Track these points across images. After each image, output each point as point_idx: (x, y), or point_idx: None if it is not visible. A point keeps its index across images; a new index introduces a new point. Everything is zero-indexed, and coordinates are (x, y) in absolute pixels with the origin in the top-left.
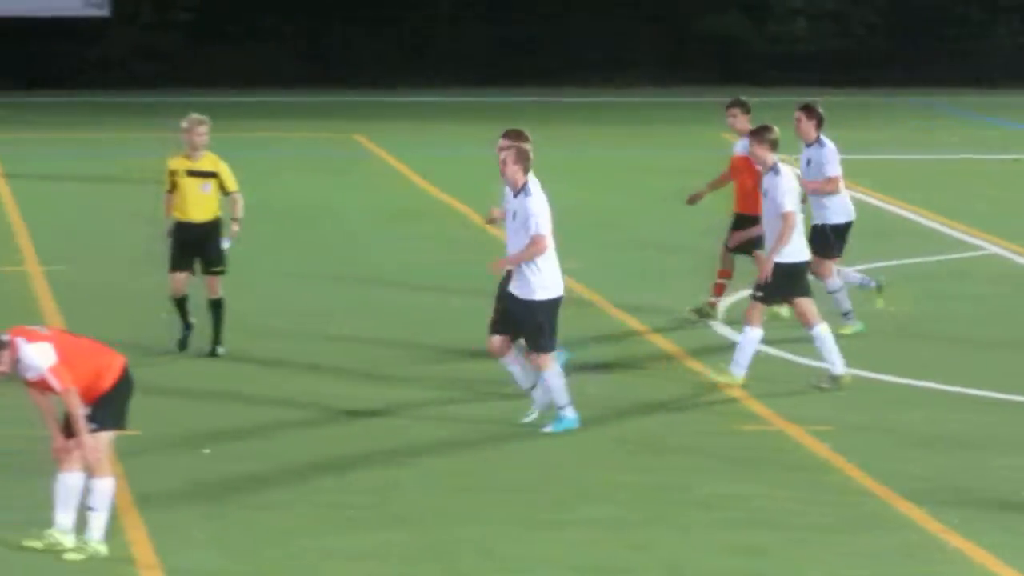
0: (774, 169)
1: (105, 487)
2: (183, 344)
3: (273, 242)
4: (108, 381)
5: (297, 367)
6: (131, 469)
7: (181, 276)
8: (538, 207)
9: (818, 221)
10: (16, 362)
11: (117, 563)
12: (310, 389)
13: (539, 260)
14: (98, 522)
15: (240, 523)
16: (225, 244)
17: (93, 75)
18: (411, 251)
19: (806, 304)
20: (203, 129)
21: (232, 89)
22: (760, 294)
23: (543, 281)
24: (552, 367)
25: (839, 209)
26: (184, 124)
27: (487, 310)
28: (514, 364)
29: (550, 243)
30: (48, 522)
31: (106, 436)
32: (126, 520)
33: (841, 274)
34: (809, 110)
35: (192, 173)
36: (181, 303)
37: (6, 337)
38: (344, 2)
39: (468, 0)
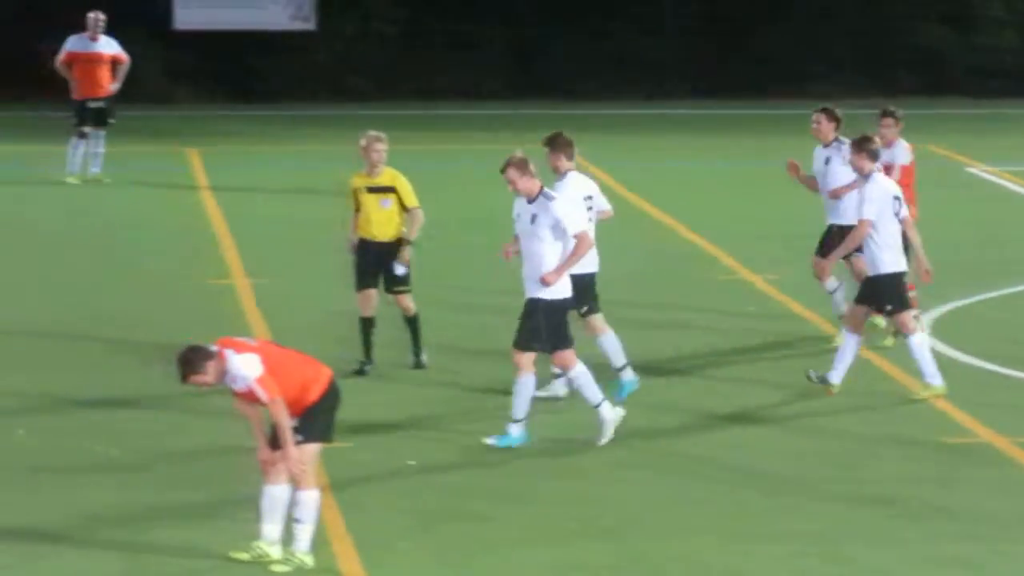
0: (868, 176)
1: (311, 499)
2: (360, 372)
3: (478, 254)
4: (315, 393)
5: (497, 382)
6: (337, 481)
7: (370, 294)
8: (563, 208)
9: (831, 221)
10: (224, 373)
11: (323, 574)
12: (507, 404)
13: (556, 260)
14: (304, 534)
15: (445, 534)
16: (399, 270)
17: (299, 88)
18: (615, 263)
19: (905, 315)
20: (380, 146)
21: (437, 101)
22: (889, 307)
23: (565, 281)
24: (529, 373)
25: (850, 212)
26: (362, 141)
27: (681, 322)
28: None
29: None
30: (255, 534)
31: (312, 448)
32: (332, 532)
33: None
34: (829, 112)
35: (372, 189)
36: (367, 324)
37: (214, 348)
38: (552, 13)
39: (680, 12)
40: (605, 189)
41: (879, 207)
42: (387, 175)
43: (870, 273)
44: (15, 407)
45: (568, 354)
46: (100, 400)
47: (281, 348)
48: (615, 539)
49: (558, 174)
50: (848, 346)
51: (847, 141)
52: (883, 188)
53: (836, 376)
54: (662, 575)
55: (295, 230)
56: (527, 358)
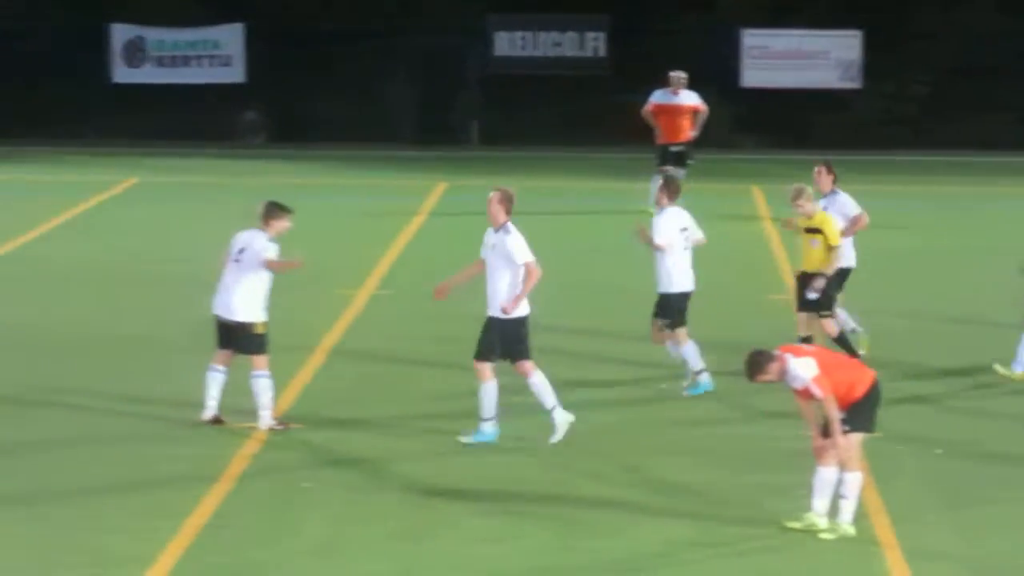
0: None
1: (855, 479)
2: None
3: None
4: (860, 391)
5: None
6: (876, 464)
7: (802, 316)
8: (516, 243)
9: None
10: (784, 373)
11: (862, 543)
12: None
13: (506, 286)
14: (848, 508)
15: (968, 512)
16: (810, 295)
17: (844, 137)
18: None
19: None
20: (798, 200)
21: (958, 151)
22: None
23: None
24: (536, 373)
25: (844, 256)
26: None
27: None
28: (685, 352)
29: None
30: (807, 507)
31: (856, 437)
32: (870, 507)
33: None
34: (828, 166)
35: (807, 230)
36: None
37: (776, 352)
38: None
39: None
40: None
41: None
42: (818, 218)
43: None
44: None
45: (527, 364)
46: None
47: (833, 353)
48: None
49: (659, 207)
50: None
51: (840, 192)
52: None
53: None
54: None
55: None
56: (528, 365)
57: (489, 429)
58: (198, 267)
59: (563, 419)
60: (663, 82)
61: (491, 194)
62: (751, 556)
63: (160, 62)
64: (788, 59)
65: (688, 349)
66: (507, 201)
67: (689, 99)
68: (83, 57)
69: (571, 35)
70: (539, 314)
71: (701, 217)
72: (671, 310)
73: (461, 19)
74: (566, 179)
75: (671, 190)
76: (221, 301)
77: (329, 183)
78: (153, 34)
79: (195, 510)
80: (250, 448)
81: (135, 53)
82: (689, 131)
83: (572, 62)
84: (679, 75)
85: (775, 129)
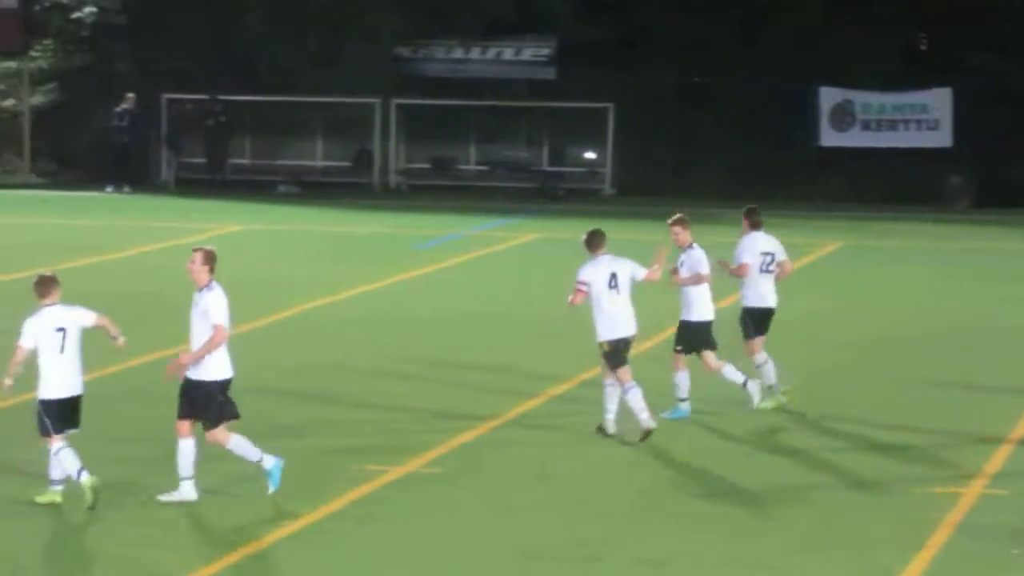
0: None
1: None
2: None
3: None
4: None
5: None
6: None
7: None
8: (215, 302)
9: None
10: None
11: None
12: None
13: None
14: None
15: None
16: None
17: None
18: None
19: None
20: None
21: None
22: None
23: (218, 363)
24: (230, 440)
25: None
26: None
27: None
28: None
29: (227, 332)
30: None
31: None
32: None
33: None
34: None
35: None
36: None
37: None
38: None
39: None
40: None
41: None
42: None
43: None
44: None
45: (217, 433)
46: None
47: None
48: None
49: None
50: None
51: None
52: None
53: None
54: None
55: None
56: (217, 433)
57: (187, 488)
58: (911, 328)
59: (273, 464)
60: None
61: (194, 255)
62: None
63: (867, 125)
64: None
65: (680, 376)
66: (210, 261)
67: None
68: (789, 119)
69: None
70: None
71: None
72: (681, 336)
73: None
74: None
75: (682, 226)
76: (629, 325)
77: None
78: (861, 97)
79: (902, 573)
80: (956, 513)
81: (843, 117)
82: None
83: None
84: None
85: None
